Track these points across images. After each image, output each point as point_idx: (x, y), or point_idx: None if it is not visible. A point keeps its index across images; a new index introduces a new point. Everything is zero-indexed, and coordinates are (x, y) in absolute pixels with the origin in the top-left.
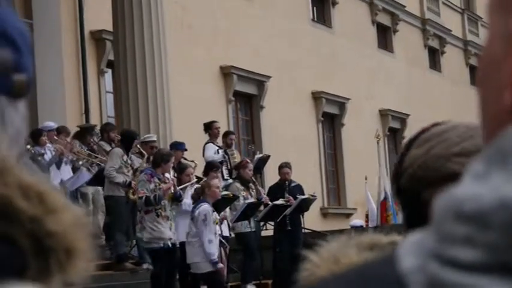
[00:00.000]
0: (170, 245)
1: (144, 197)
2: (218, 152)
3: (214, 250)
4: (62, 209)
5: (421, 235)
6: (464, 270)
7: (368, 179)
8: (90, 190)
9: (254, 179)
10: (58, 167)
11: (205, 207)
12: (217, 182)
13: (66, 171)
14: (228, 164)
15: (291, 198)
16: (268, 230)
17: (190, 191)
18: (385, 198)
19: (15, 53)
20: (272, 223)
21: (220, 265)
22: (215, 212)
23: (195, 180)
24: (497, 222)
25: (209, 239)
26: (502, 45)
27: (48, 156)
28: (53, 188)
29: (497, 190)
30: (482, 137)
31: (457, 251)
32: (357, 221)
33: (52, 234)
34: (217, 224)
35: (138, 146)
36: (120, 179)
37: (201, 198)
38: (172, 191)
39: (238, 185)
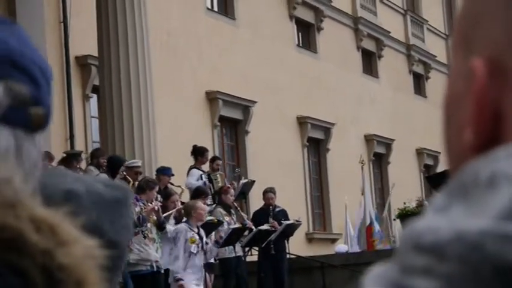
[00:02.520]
0: (155, 268)
1: None
2: (201, 178)
3: (176, 268)
4: (73, 241)
5: (385, 266)
6: None
7: (353, 203)
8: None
9: (236, 205)
10: None
11: (180, 225)
12: (204, 205)
13: None
14: (212, 189)
15: (275, 223)
16: (253, 256)
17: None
18: (371, 223)
19: (33, 87)
20: (257, 248)
21: (182, 282)
22: (194, 232)
23: (181, 207)
24: (453, 254)
25: (175, 255)
26: (463, 83)
27: None
28: (65, 220)
29: (454, 223)
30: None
31: (417, 281)
32: (342, 246)
33: (63, 267)
34: (193, 242)
35: (123, 172)
36: None
37: (184, 219)
38: (156, 217)
39: (221, 210)
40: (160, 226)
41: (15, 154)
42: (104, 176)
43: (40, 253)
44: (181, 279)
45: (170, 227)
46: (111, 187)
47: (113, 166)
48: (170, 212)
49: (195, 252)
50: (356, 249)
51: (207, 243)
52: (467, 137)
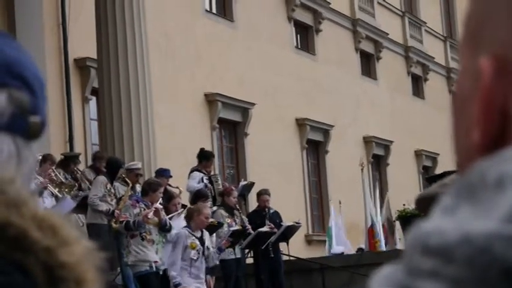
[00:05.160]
0: (155, 269)
1: (124, 222)
2: (202, 180)
3: (175, 274)
4: (74, 241)
5: (392, 268)
6: None
7: (351, 205)
8: (75, 218)
9: (238, 207)
10: (40, 195)
11: (181, 231)
12: (209, 213)
13: (49, 201)
14: (212, 191)
15: (272, 225)
16: (248, 258)
17: (178, 221)
18: (372, 225)
19: (31, 96)
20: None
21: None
22: (194, 238)
23: (181, 210)
24: (460, 257)
25: (170, 262)
26: (470, 83)
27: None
28: (65, 220)
29: (462, 225)
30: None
31: (423, 284)
32: (338, 247)
33: (64, 265)
34: (193, 248)
35: (123, 174)
36: (103, 207)
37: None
38: (156, 218)
39: (222, 212)
40: (163, 227)
41: (16, 160)
42: (102, 178)
43: (42, 251)
44: (180, 284)
45: (175, 231)
46: None
47: (112, 168)
48: (172, 214)
49: (195, 258)
50: (340, 250)
51: (208, 248)
52: (474, 137)
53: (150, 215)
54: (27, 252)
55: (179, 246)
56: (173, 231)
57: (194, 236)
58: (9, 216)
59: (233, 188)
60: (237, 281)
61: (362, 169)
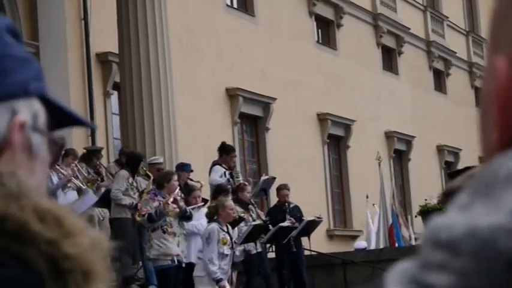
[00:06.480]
0: (177, 262)
1: (146, 215)
2: (225, 175)
3: (215, 269)
4: (79, 232)
5: (407, 263)
6: None
7: (371, 199)
8: (96, 212)
9: (253, 202)
10: (63, 189)
11: (212, 226)
12: (232, 204)
13: (72, 195)
14: (233, 186)
15: (293, 219)
16: (270, 252)
17: (198, 214)
18: (393, 222)
19: None
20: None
21: (224, 283)
22: (225, 233)
23: (202, 203)
24: (467, 250)
25: (209, 258)
26: (491, 83)
27: (54, 179)
28: (71, 212)
29: (471, 219)
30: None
31: (433, 276)
32: (361, 242)
33: (69, 256)
34: (224, 244)
35: (144, 168)
36: (126, 201)
37: (215, 218)
38: (177, 208)
39: (238, 208)
40: (184, 215)
41: None
42: (124, 172)
43: (45, 243)
44: (221, 279)
45: (195, 222)
46: None
47: (133, 162)
48: (192, 207)
49: (227, 253)
50: (374, 246)
51: (235, 242)
52: (493, 135)
53: (170, 200)
54: (28, 245)
55: (214, 241)
56: (194, 223)
57: (224, 231)
58: (8, 209)
59: (246, 183)
60: (260, 276)
61: (379, 163)
